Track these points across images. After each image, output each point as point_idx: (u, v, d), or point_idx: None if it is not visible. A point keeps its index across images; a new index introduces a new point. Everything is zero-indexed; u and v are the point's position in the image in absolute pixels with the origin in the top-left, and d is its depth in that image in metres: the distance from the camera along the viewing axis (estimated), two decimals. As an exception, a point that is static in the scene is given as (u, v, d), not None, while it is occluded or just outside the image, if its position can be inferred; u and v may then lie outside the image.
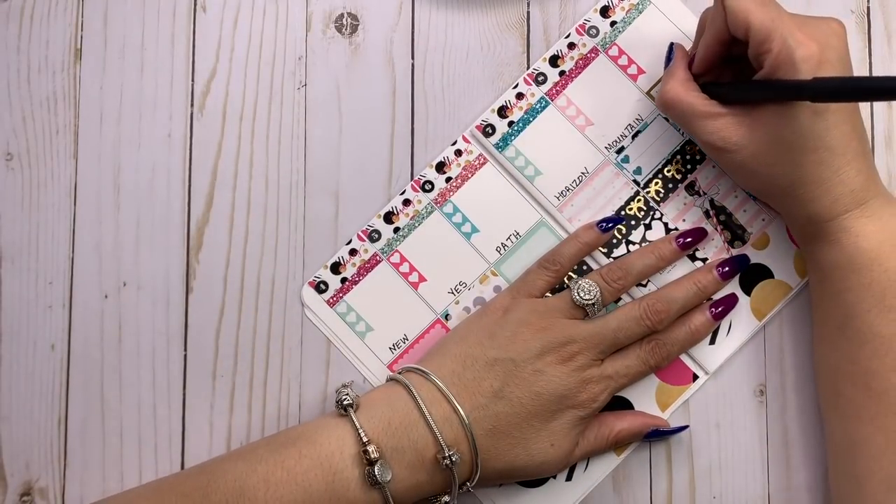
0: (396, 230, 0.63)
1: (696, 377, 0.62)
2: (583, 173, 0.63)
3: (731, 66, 0.59)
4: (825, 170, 0.54)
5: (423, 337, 0.62)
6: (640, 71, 0.63)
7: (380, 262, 0.63)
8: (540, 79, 0.63)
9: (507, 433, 0.56)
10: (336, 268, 0.63)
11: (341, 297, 0.63)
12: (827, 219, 0.55)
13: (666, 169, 0.63)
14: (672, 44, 0.61)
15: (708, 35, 0.57)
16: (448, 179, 0.63)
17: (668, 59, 0.61)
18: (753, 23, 0.53)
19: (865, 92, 0.49)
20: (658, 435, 0.61)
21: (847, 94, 0.49)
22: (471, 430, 0.55)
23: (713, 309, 0.61)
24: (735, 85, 0.58)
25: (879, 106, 0.63)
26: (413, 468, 0.55)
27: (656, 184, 0.63)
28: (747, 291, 0.62)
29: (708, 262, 0.62)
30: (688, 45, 0.62)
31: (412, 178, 0.63)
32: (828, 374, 0.58)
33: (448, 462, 0.55)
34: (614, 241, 0.62)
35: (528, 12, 0.64)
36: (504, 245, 0.63)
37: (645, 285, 0.62)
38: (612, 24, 0.63)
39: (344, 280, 0.63)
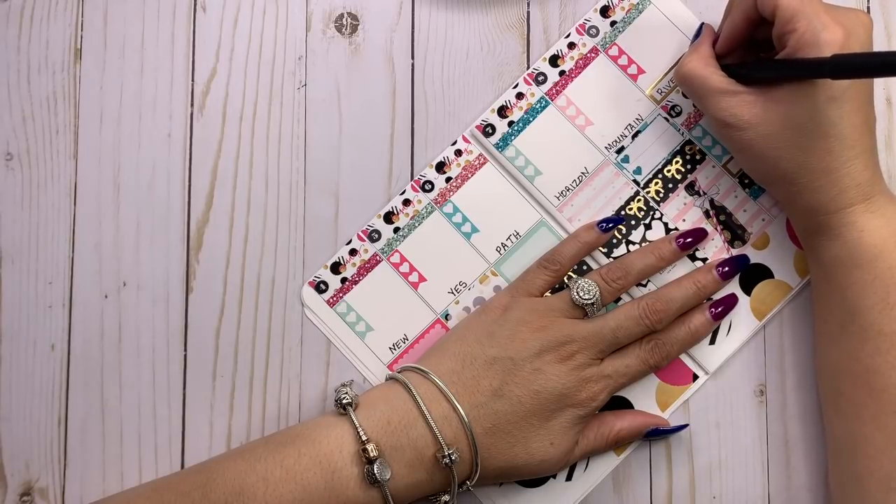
0: (396, 230, 0.63)
1: (696, 377, 0.62)
2: (583, 173, 0.63)
3: (756, 51, 0.59)
4: (833, 160, 0.54)
5: (423, 337, 0.62)
6: (640, 71, 0.63)
7: (380, 262, 0.63)
8: (540, 79, 0.63)
9: (506, 432, 0.56)
10: (336, 268, 0.63)
11: (341, 297, 0.63)
12: (830, 211, 0.55)
13: (666, 169, 0.63)
14: (702, 24, 0.61)
15: (735, 13, 0.57)
16: (448, 179, 0.63)
17: (696, 37, 0.61)
18: (781, 1, 0.53)
19: (888, 67, 0.48)
20: (658, 434, 0.61)
21: (868, 70, 0.49)
22: (470, 429, 0.55)
23: (713, 309, 0.61)
24: (754, 63, 0.58)
25: (880, 106, 0.63)
26: (412, 467, 0.55)
27: (656, 184, 0.63)
28: (747, 291, 0.62)
29: (708, 261, 0.62)
30: (684, 43, 0.62)
31: (412, 178, 0.63)
32: (829, 372, 0.57)
33: (447, 460, 0.55)
34: (614, 241, 0.62)
35: (528, 12, 0.64)
36: (504, 245, 0.63)
37: (645, 285, 0.62)
38: (612, 23, 0.63)
39: (344, 280, 0.63)
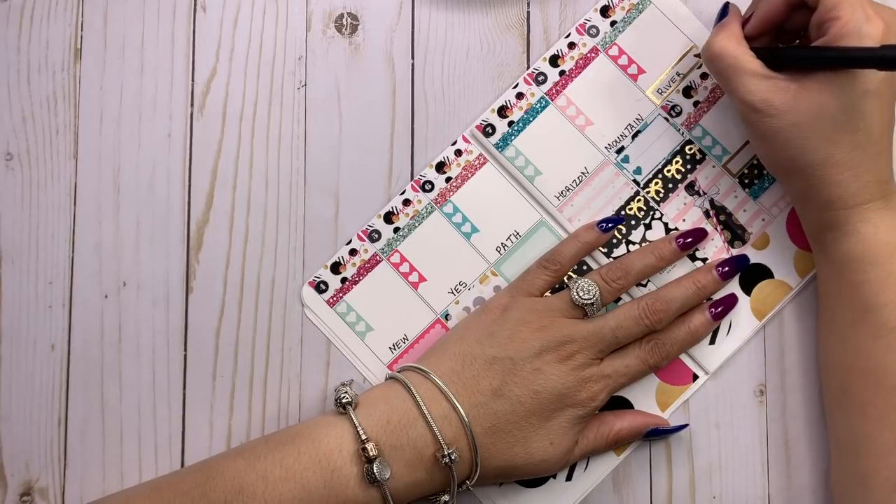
0: (396, 230, 0.63)
1: (696, 377, 0.62)
2: (583, 173, 0.63)
3: (781, 39, 0.58)
4: (860, 154, 0.54)
5: (423, 337, 0.62)
6: (641, 70, 0.63)
7: (380, 261, 0.63)
8: (540, 78, 0.63)
9: (506, 431, 0.56)
10: (336, 268, 0.63)
11: (341, 297, 0.63)
12: (849, 206, 0.55)
13: (666, 169, 0.63)
14: (727, 3, 0.60)
15: None
16: (448, 179, 0.63)
17: (721, 17, 0.59)
18: None
19: None
20: (658, 434, 0.60)
21: None
22: (470, 429, 0.55)
23: (713, 309, 0.60)
24: (791, 48, 0.56)
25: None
26: (412, 466, 0.55)
27: (656, 184, 0.63)
28: (747, 291, 0.62)
29: (708, 261, 0.62)
30: (684, 43, 0.62)
31: (412, 178, 0.63)
32: (836, 371, 0.57)
33: (447, 460, 0.55)
34: (614, 241, 0.62)
35: (528, 12, 0.64)
36: (504, 245, 0.63)
37: (645, 285, 0.62)
38: (613, 23, 0.63)
39: (344, 280, 0.63)
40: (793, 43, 0.58)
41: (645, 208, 0.63)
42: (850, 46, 0.52)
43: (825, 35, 0.53)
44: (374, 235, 0.63)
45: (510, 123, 0.63)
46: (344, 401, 0.56)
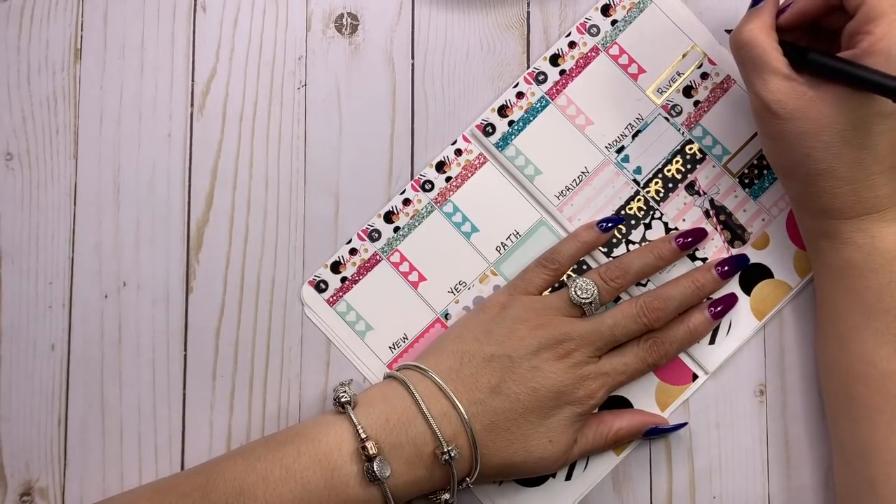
0: (396, 230, 0.63)
1: (695, 377, 0.62)
2: (583, 173, 0.63)
3: (818, 35, 0.57)
4: (860, 171, 0.53)
5: (422, 336, 0.62)
6: (641, 70, 0.63)
7: (380, 261, 0.63)
8: (540, 78, 0.63)
9: (505, 429, 0.56)
10: (336, 267, 0.63)
11: (341, 297, 0.63)
12: (845, 217, 0.55)
13: (666, 169, 0.63)
14: None
15: None
16: (448, 179, 0.63)
17: (755, 2, 0.57)
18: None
19: None
20: (657, 433, 0.60)
21: None
22: (469, 425, 0.55)
23: (712, 308, 0.60)
24: (816, 53, 0.54)
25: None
26: (412, 464, 0.55)
27: (656, 183, 0.63)
28: (747, 291, 0.62)
29: (707, 261, 0.62)
30: (684, 43, 0.62)
31: (412, 178, 0.63)
32: (838, 377, 0.57)
33: (447, 457, 0.54)
34: (614, 240, 0.62)
35: (528, 12, 0.64)
36: (504, 244, 0.63)
37: (644, 285, 0.62)
38: (613, 22, 0.63)
39: (344, 279, 0.63)
40: (825, 42, 0.57)
41: (645, 208, 0.63)
42: (871, 69, 0.51)
43: (854, 48, 0.52)
44: (374, 235, 0.63)
45: (510, 123, 0.63)
46: (343, 400, 0.56)
